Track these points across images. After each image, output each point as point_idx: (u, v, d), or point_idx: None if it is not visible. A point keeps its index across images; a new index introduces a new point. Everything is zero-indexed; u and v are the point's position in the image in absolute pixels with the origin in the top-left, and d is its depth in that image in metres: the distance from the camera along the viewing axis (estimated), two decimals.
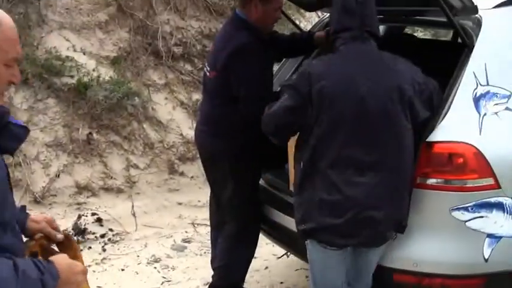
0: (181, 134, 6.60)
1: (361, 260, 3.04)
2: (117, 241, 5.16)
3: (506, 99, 3.06)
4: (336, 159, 2.85)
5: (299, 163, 2.99)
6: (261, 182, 3.91)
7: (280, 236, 3.87)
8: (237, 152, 3.69)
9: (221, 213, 3.95)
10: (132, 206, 5.67)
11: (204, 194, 5.45)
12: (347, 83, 2.87)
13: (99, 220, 5.41)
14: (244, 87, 3.54)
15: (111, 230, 5.32)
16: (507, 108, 3.04)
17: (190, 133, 6.32)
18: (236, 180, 3.73)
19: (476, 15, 3.20)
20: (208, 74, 3.75)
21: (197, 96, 6.76)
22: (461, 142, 2.89)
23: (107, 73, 6.45)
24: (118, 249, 5.03)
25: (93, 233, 5.21)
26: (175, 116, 6.74)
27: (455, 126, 2.94)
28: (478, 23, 3.17)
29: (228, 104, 3.64)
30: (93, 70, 6.39)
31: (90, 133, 6.10)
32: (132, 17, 7.08)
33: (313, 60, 3.39)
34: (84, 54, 6.58)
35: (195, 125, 4.63)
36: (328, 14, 4.25)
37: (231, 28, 3.73)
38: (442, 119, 2.96)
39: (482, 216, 2.90)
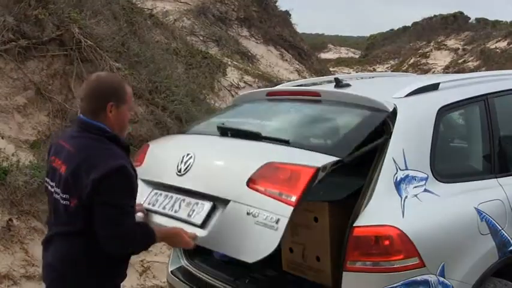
0: None
1: None
2: None
3: (424, 181, 3.29)
4: None
5: None
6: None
7: None
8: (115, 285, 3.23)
9: None
10: None
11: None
12: None
13: None
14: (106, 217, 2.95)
15: None
16: (425, 190, 3.27)
17: None
18: None
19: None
20: (67, 202, 3.03)
21: None
22: (386, 225, 3.06)
23: (26, 157, 6.35)
24: None
25: None
26: None
27: (379, 210, 3.12)
28: (394, 111, 3.40)
29: (92, 238, 2.98)
30: (13, 155, 6.28)
31: (10, 219, 5.93)
32: (51, 100, 7.08)
33: None
34: (2, 138, 6.48)
35: None
36: None
37: (90, 142, 3.08)
38: (367, 203, 3.13)
39: None
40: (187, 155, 3.54)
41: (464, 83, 4.02)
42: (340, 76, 4.42)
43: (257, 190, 3.09)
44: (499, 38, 37.21)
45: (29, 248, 5.90)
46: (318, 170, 2.98)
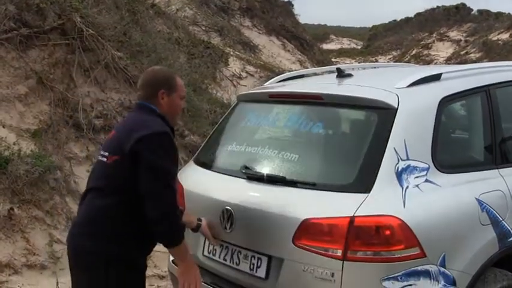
0: None
1: None
2: None
3: (426, 171, 3.28)
4: None
5: None
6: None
7: None
8: (132, 257, 3.30)
9: None
10: (57, 283, 5.52)
11: None
12: None
13: None
14: (154, 178, 3.15)
15: None
16: (427, 180, 3.26)
17: None
18: None
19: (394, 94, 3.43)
20: (105, 159, 3.30)
21: None
22: (387, 215, 3.05)
23: (28, 146, 6.35)
24: None
25: None
26: None
27: (380, 200, 3.11)
28: (398, 104, 3.38)
29: (127, 200, 3.20)
30: (14, 144, 6.28)
31: (11, 208, 5.94)
32: (52, 89, 7.07)
33: None
34: (3, 127, 6.48)
35: None
36: None
37: (142, 115, 3.41)
38: (368, 193, 3.13)
39: (411, 285, 3.05)
40: (227, 210, 3.62)
41: (466, 73, 4.01)
42: (342, 66, 4.40)
43: (304, 248, 3.21)
44: (502, 30, 37.15)
45: (30, 237, 5.91)
46: (352, 218, 3.08)
